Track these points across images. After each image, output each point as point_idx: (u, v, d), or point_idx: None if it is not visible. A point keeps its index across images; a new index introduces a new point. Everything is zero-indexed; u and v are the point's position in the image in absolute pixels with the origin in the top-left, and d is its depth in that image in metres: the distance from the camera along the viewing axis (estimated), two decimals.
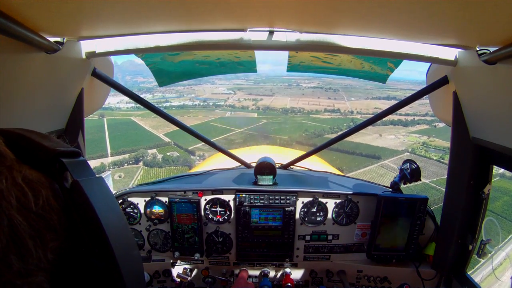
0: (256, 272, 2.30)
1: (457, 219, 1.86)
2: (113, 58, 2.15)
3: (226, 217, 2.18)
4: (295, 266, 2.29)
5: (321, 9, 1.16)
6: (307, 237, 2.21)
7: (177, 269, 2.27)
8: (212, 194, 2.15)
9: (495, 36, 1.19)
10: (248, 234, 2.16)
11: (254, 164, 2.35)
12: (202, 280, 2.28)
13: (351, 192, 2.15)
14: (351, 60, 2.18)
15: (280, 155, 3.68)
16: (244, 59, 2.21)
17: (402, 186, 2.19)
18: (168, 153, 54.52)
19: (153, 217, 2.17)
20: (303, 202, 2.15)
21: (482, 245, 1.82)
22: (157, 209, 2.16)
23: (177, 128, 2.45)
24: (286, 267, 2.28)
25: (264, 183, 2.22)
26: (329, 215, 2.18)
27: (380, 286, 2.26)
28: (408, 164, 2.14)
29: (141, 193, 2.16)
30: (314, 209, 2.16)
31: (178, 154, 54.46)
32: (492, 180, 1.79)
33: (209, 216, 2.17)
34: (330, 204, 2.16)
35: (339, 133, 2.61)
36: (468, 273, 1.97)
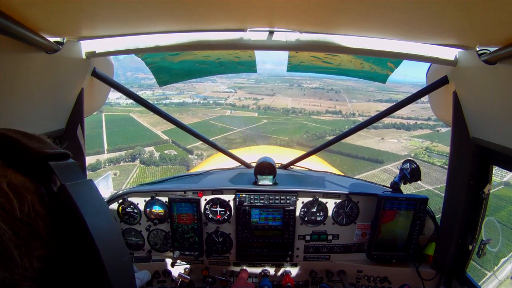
0: (256, 272, 2.30)
1: (457, 219, 1.86)
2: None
3: (226, 217, 2.18)
4: (295, 266, 2.29)
5: (321, 9, 1.16)
6: (307, 237, 2.21)
7: (177, 269, 2.27)
8: (212, 194, 2.15)
9: (495, 36, 1.19)
10: (248, 234, 2.16)
11: (254, 164, 2.35)
12: (202, 280, 2.28)
13: (351, 192, 2.15)
14: (351, 60, 2.18)
15: (280, 155, 3.67)
16: (244, 59, 2.21)
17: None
18: (165, 151, 53.79)
19: (153, 217, 2.17)
20: (303, 202, 2.15)
21: (482, 245, 1.81)
22: (157, 209, 2.16)
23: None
24: (286, 267, 2.28)
25: (264, 183, 2.21)
26: (329, 215, 2.18)
27: (380, 286, 2.26)
28: (408, 164, 2.14)
29: (141, 193, 2.16)
30: (314, 209, 2.16)
31: (176, 153, 53.82)
32: (496, 189, 1.80)
33: (209, 216, 2.17)
34: (330, 204, 2.16)
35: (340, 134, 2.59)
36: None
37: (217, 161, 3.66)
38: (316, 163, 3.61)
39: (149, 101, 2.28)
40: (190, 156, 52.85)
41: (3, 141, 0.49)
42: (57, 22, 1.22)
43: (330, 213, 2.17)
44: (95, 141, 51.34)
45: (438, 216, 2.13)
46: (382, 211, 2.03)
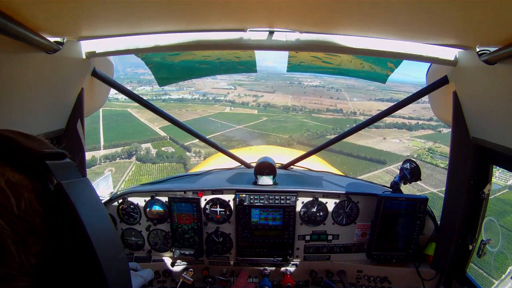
0: (256, 272, 2.30)
1: (457, 219, 1.86)
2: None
3: (226, 217, 2.18)
4: (295, 266, 2.29)
5: (321, 9, 1.16)
6: (307, 237, 2.21)
7: (177, 269, 2.27)
8: (212, 194, 2.15)
9: (495, 36, 1.19)
10: (248, 234, 2.16)
11: (254, 164, 2.35)
12: (202, 280, 2.28)
13: (351, 192, 2.15)
14: (351, 60, 2.17)
15: (280, 155, 3.67)
16: (244, 59, 2.21)
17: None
18: (163, 148, 52.87)
19: (153, 217, 2.18)
20: (303, 202, 2.15)
21: (482, 245, 1.81)
22: (157, 209, 2.16)
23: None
24: (286, 267, 2.28)
25: (264, 183, 2.22)
26: (329, 215, 2.18)
27: (380, 286, 2.26)
28: (408, 163, 2.14)
29: (141, 193, 2.16)
30: (314, 209, 2.16)
31: (173, 150, 52.99)
32: (501, 193, 1.79)
33: (209, 216, 2.17)
34: (330, 204, 2.16)
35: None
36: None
37: (217, 161, 3.67)
38: (316, 163, 3.62)
39: (148, 96, 2.28)
40: (187, 153, 52.14)
41: (1, 141, 0.50)
42: (57, 22, 1.22)
43: (330, 213, 2.17)
44: (92, 137, 50.34)
45: (438, 215, 2.12)
46: (382, 211, 2.03)
